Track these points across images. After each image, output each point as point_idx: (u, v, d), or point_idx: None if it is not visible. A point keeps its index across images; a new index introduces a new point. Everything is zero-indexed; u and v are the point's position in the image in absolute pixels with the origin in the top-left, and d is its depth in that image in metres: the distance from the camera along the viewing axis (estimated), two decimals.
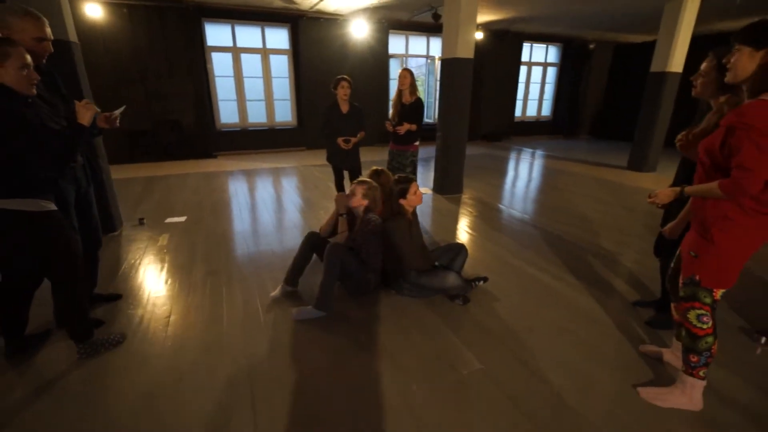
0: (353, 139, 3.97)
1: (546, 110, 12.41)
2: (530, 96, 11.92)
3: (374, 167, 2.88)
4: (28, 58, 1.65)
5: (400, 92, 4.06)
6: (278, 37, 8.34)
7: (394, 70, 9.51)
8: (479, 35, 9.44)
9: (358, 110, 4.09)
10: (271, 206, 4.79)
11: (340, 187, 4.34)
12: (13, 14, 1.76)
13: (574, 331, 2.31)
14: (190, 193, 5.30)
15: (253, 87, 8.41)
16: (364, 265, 2.52)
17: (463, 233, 3.96)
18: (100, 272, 2.55)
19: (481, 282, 2.74)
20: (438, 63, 9.69)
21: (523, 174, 7.11)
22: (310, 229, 3.30)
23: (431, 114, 10.15)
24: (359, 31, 8.48)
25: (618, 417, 1.69)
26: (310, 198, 5.13)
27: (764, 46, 1.34)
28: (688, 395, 1.71)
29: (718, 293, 1.58)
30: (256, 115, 8.63)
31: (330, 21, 8.28)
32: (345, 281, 2.59)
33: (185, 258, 3.25)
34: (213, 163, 7.54)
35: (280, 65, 8.54)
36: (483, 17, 8.38)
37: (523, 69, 11.25)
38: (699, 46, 5.79)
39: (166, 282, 2.84)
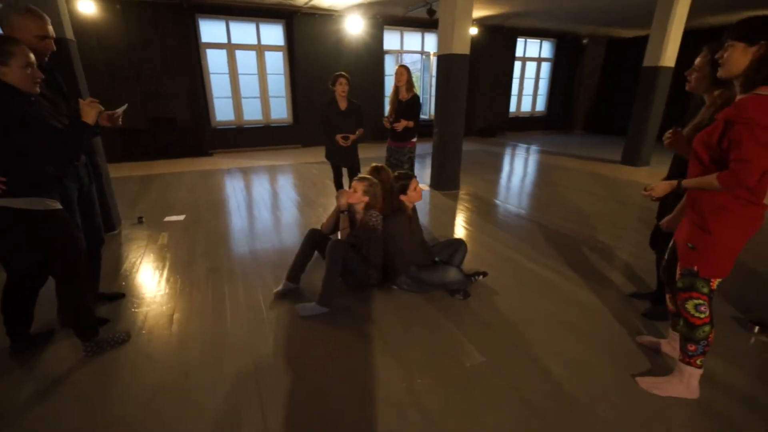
0: (352, 136, 3.97)
1: (540, 105, 12.47)
2: (524, 91, 11.95)
3: (374, 164, 2.90)
4: (32, 56, 1.64)
5: (396, 89, 4.08)
6: (273, 34, 8.30)
7: (390, 66, 9.51)
8: (473, 30, 9.46)
9: (357, 107, 4.09)
10: (269, 204, 4.80)
11: (338, 184, 4.34)
12: (15, 12, 1.76)
13: (572, 323, 2.36)
14: (187, 192, 5.28)
15: (249, 84, 8.37)
16: (366, 262, 2.55)
17: (461, 229, 3.99)
18: (102, 271, 2.55)
19: (481, 277, 2.78)
20: (433, 59, 9.69)
21: (519, 169, 7.16)
22: (309, 226, 3.32)
23: (427, 110, 10.16)
24: (354, 27, 8.47)
25: (617, 405, 1.74)
26: (308, 195, 5.14)
27: (757, 41, 1.37)
28: (685, 384, 1.76)
29: (715, 283, 1.63)
30: (252, 113, 8.60)
31: (325, 17, 8.25)
32: (347, 277, 2.62)
33: (186, 256, 3.26)
34: (209, 160, 7.52)
35: (275, 62, 8.50)
36: (477, 12, 8.40)
37: (518, 64, 11.28)
38: (691, 40, 5.88)
39: (168, 280, 2.85)
